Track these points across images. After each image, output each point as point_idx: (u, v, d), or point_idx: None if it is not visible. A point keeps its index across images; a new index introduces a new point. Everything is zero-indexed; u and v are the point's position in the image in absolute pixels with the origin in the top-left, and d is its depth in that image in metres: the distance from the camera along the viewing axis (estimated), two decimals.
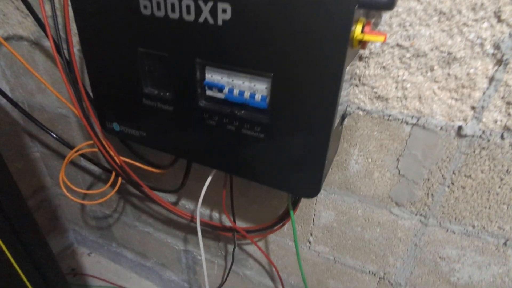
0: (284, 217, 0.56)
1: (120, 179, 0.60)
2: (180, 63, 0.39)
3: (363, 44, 0.32)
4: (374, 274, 0.64)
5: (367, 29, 0.31)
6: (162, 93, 0.43)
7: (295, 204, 0.52)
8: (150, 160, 0.67)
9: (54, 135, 0.66)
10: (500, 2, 0.34)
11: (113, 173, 0.59)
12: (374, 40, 0.30)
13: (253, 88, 0.38)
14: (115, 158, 0.58)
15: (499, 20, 0.35)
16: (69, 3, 0.43)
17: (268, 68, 0.35)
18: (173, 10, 0.36)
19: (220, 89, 0.39)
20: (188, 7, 0.35)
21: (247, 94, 0.38)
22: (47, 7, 0.58)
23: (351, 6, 0.28)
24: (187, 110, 0.42)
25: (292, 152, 0.39)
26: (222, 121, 0.41)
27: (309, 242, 0.67)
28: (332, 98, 0.33)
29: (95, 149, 0.57)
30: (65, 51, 0.55)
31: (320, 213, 0.62)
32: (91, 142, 0.59)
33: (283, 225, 0.59)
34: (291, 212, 0.50)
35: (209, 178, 0.50)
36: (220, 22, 0.34)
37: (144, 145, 0.50)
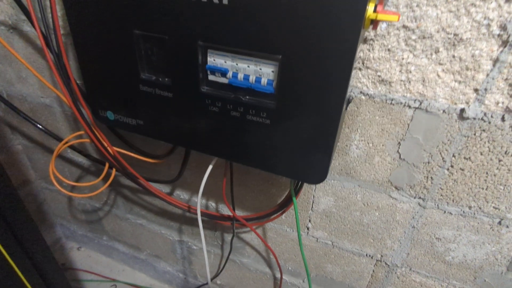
0: (284, 205, 0.56)
1: (114, 171, 0.57)
2: (181, 46, 0.37)
3: (375, 24, 0.31)
4: (371, 257, 0.66)
5: (379, 8, 0.30)
6: (160, 79, 0.41)
7: (297, 191, 0.51)
8: (143, 149, 0.64)
9: (40, 126, 0.62)
10: None
11: (106, 165, 0.57)
12: (388, 19, 0.30)
13: (259, 72, 0.36)
14: (109, 149, 0.55)
15: (508, 0, 0.34)
16: None
17: (276, 50, 0.33)
18: None
19: (224, 73, 0.38)
20: None
21: (252, 78, 0.37)
22: None
23: None
24: (188, 97, 0.41)
25: (300, 138, 0.38)
26: (226, 107, 0.39)
27: (307, 228, 0.68)
28: (344, 79, 0.32)
29: (87, 140, 0.55)
30: (52, 36, 0.51)
31: (319, 199, 0.62)
32: (81, 132, 0.56)
33: (283, 212, 0.58)
34: (294, 198, 0.49)
35: (210, 167, 0.49)
36: (225, 1, 0.32)
37: (141, 134, 0.48)
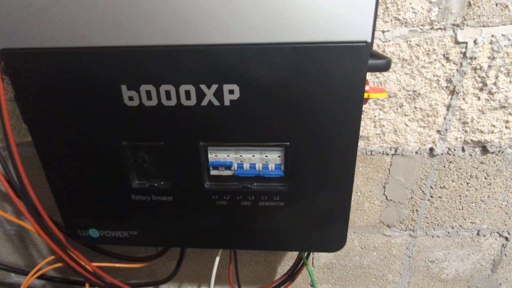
0: (293, 273, 0.54)
1: None
2: (179, 150, 0.36)
3: (365, 100, 0.34)
4: None
5: (367, 87, 0.34)
6: (156, 184, 0.38)
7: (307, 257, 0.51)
8: (123, 253, 0.57)
9: None
10: (447, 46, 0.41)
11: (87, 286, 0.49)
12: (379, 97, 0.33)
13: (265, 159, 0.37)
14: (88, 267, 0.48)
15: (448, 60, 0.42)
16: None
17: (283, 139, 0.34)
18: (168, 97, 0.33)
19: (228, 166, 0.37)
20: (187, 93, 0.32)
21: (259, 166, 0.37)
22: None
23: (363, 72, 0.30)
24: (191, 196, 0.38)
25: (316, 212, 0.38)
26: (236, 198, 0.38)
27: (311, 286, 0.66)
28: (353, 151, 0.34)
29: (59, 264, 0.46)
30: None
31: (318, 254, 0.62)
32: (50, 258, 0.48)
33: (293, 281, 0.56)
34: (308, 267, 0.48)
35: (217, 259, 0.46)
36: (227, 102, 0.32)
37: (135, 245, 0.43)
